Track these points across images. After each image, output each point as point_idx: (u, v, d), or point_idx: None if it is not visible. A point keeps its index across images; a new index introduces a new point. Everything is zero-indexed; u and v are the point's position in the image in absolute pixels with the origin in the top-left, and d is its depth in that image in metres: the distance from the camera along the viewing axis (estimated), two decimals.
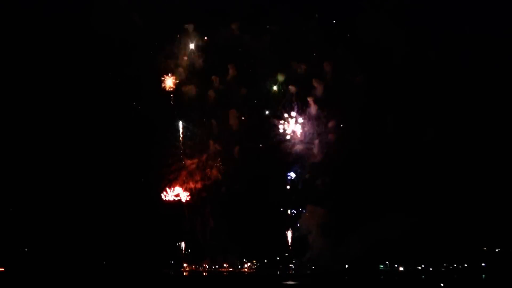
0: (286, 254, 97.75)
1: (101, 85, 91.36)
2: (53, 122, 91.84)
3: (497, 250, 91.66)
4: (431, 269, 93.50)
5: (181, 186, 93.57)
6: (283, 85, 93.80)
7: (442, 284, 78.34)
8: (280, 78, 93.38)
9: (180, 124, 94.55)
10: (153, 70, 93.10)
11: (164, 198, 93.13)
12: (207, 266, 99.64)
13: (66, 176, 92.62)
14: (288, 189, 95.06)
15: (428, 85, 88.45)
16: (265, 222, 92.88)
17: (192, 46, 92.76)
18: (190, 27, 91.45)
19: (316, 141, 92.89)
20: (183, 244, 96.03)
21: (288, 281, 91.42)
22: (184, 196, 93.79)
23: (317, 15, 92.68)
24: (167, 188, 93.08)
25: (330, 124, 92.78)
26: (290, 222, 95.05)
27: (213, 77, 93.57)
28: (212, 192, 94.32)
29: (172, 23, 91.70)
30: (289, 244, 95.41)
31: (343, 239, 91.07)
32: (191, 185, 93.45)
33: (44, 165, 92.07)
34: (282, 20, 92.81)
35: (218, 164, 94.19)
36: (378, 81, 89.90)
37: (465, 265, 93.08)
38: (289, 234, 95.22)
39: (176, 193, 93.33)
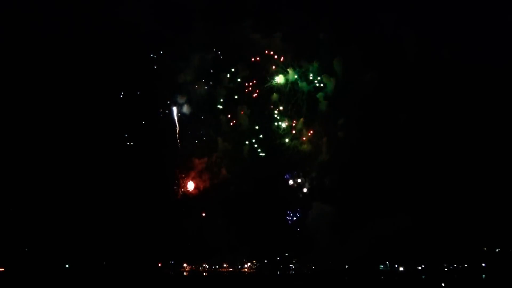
0: (287, 254, 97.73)
1: (110, 84, 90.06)
2: (55, 121, 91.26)
3: (497, 250, 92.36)
4: (431, 269, 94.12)
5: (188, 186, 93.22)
6: (293, 83, 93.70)
7: (443, 284, 78.31)
8: (291, 76, 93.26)
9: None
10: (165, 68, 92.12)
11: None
12: (207, 266, 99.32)
13: (67, 176, 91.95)
14: (295, 187, 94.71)
15: (436, 85, 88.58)
16: (271, 222, 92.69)
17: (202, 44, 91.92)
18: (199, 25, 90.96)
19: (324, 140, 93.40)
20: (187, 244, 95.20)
21: (288, 281, 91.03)
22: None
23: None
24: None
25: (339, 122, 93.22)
26: (296, 221, 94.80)
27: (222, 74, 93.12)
28: (220, 191, 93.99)
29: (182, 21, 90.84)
30: (294, 243, 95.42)
31: (347, 238, 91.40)
32: (199, 184, 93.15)
33: (44, 165, 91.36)
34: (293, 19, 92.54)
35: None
36: (386, 80, 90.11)
37: (465, 265, 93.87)
38: (295, 233, 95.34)
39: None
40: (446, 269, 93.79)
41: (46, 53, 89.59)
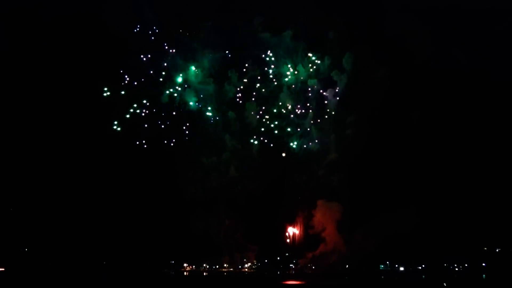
0: (287, 254, 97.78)
1: (115, 83, 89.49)
2: (58, 123, 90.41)
3: (497, 250, 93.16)
4: (431, 269, 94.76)
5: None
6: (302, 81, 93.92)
7: (444, 284, 78.64)
8: (301, 74, 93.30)
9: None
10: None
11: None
12: (207, 266, 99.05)
13: (66, 176, 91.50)
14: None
15: (447, 84, 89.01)
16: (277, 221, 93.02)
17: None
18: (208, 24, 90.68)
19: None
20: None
21: (288, 281, 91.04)
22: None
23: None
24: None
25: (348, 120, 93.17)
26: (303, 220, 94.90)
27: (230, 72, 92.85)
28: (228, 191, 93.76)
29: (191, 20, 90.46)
30: (299, 242, 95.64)
31: (353, 236, 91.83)
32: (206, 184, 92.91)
33: (44, 166, 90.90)
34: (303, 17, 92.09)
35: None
36: (397, 78, 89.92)
37: (466, 265, 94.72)
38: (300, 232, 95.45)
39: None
40: (446, 269, 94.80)
41: (51, 54, 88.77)
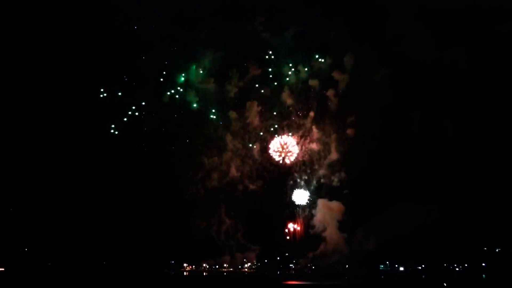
0: (287, 254, 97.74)
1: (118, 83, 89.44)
2: (59, 124, 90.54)
3: (497, 250, 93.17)
4: (431, 269, 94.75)
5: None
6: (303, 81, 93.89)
7: (444, 284, 78.58)
8: (302, 74, 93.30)
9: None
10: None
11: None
12: (207, 266, 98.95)
13: (67, 177, 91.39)
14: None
15: (448, 84, 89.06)
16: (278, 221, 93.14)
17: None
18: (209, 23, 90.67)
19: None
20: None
21: (288, 281, 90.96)
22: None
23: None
24: None
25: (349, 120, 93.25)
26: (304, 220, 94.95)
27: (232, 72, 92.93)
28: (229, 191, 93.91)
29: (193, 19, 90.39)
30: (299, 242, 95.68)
31: (353, 236, 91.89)
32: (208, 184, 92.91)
33: (44, 166, 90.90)
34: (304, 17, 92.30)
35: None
36: (398, 78, 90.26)
37: (466, 265, 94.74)
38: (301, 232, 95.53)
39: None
40: (446, 269, 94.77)
41: (49, 53, 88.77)
